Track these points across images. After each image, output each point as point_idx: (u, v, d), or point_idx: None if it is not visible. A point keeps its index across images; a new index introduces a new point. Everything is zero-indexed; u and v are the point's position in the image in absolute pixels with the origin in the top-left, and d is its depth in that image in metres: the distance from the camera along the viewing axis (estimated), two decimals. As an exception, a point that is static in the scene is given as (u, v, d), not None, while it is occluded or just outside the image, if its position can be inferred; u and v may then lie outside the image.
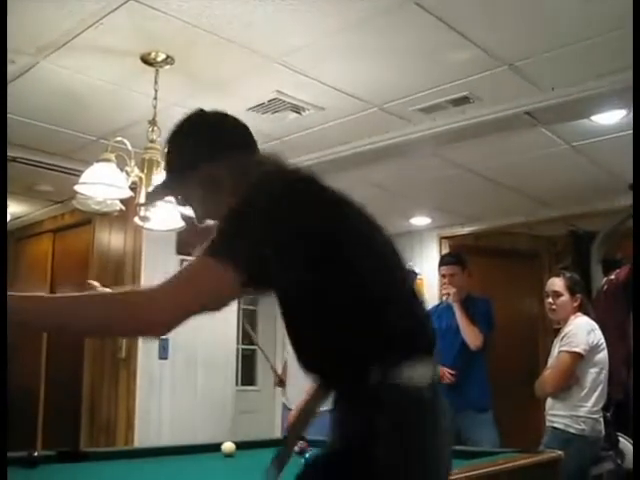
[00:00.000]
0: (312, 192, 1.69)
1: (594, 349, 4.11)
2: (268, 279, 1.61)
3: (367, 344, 1.59)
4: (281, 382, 5.27)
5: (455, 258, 5.45)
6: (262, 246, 1.55)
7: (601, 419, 4.13)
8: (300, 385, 4.62)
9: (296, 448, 3.35)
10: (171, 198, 2.23)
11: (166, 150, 1.99)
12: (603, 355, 4.16)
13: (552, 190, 5.99)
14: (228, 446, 3.40)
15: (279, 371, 5.45)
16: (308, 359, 1.71)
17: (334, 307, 1.61)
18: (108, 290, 1.74)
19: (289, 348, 4.88)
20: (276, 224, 1.57)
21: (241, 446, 3.50)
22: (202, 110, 1.98)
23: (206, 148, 1.88)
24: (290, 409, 4.79)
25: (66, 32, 3.40)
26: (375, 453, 1.50)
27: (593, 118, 4.43)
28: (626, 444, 4.49)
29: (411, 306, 1.71)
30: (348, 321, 1.60)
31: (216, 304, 1.59)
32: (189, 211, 2.01)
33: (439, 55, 3.63)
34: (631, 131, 4.60)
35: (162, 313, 1.50)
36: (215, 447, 3.47)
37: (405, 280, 1.79)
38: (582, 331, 4.12)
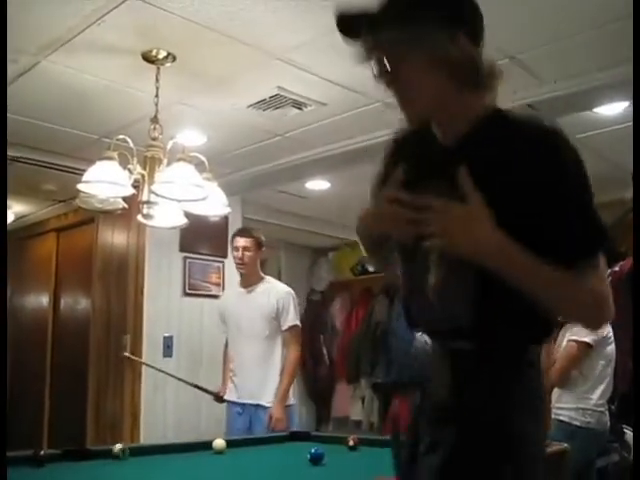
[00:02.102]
0: None
1: (603, 341, 4.11)
2: None
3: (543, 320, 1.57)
4: (219, 398, 4.96)
5: None
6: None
7: (607, 411, 4.14)
8: (254, 373, 4.63)
9: (350, 442, 3.40)
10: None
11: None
12: (611, 348, 4.16)
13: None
14: (219, 443, 3.40)
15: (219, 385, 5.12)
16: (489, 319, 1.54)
17: None
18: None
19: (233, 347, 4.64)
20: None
21: (233, 443, 3.51)
22: None
23: (461, 8, 1.57)
24: (243, 403, 4.68)
25: (67, 30, 3.40)
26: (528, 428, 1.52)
27: (596, 110, 4.42)
28: (631, 436, 4.50)
29: None
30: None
31: None
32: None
33: (440, 49, 3.62)
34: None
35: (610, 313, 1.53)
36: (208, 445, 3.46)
37: None
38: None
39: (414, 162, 1.67)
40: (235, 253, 4.77)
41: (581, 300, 1.49)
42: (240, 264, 4.76)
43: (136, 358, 5.33)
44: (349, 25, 1.60)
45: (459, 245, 1.47)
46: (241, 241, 4.76)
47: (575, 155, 1.52)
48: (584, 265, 1.48)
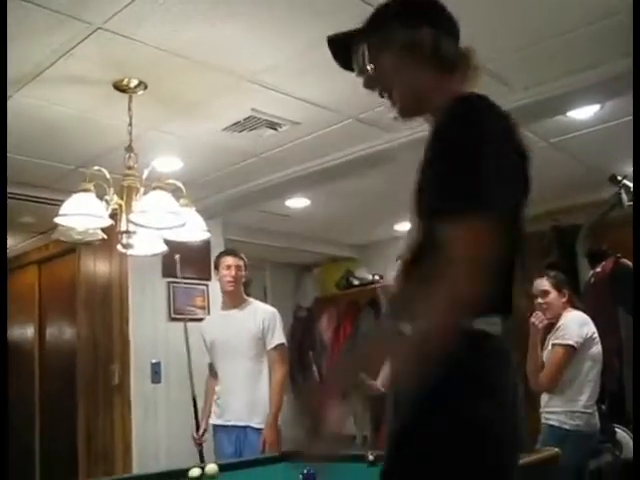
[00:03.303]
0: None
1: (587, 342, 4.12)
2: None
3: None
4: (199, 444, 4.84)
5: None
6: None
7: (596, 413, 4.14)
8: (241, 394, 4.59)
9: (370, 457, 3.38)
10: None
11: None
12: (597, 349, 4.17)
13: (534, 188, 6.00)
14: (211, 468, 3.37)
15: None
16: None
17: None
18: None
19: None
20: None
21: (226, 467, 3.47)
22: None
23: (424, 12, 1.74)
24: (231, 426, 4.61)
25: (36, 65, 3.40)
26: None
27: (568, 114, 4.45)
28: (623, 435, 4.51)
29: None
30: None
31: None
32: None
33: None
34: (606, 124, 4.65)
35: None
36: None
37: None
38: (574, 324, 4.13)
39: None
40: (226, 272, 4.75)
41: (442, 306, 1.39)
42: (232, 282, 4.74)
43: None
44: (339, 44, 1.85)
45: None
46: (232, 260, 4.76)
47: (468, 110, 1.52)
48: (440, 234, 1.41)
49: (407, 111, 1.73)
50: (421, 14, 1.73)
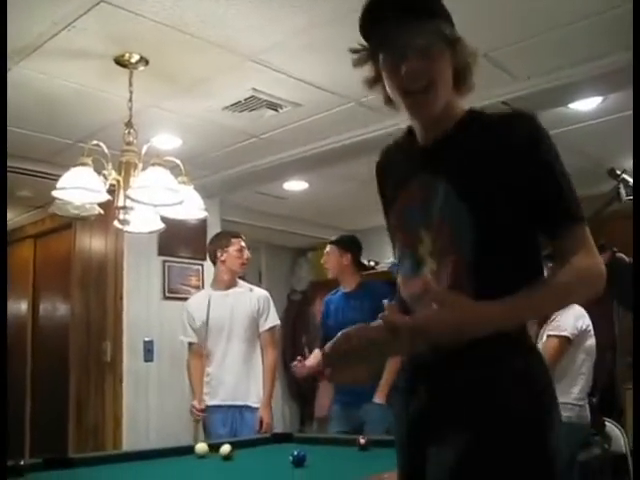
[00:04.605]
0: None
1: (582, 335, 4.13)
2: None
3: None
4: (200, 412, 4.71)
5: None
6: None
7: (587, 405, 4.16)
8: (237, 374, 4.58)
9: (361, 440, 3.36)
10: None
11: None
12: (591, 342, 4.18)
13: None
14: (201, 447, 3.37)
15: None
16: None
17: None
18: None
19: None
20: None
21: (216, 447, 3.46)
22: None
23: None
24: (226, 406, 4.58)
25: (37, 36, 3.37)
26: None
27: (570, 106, 4.44)
28: (613, 429, 4.52)
29: None
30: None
31: None
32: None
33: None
34: (608, 117, 4.63)
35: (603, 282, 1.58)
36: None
37: None
38: (569, 316, 4.14)
39: (400, 167, 1.76)
40: (239, 254, 4.73)
41: (577, 291, 1.58)
42: (246, 264, 4.78)
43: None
44: (381, 11, 1.58)
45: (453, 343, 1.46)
46: (243, 243, 4.77)
47: (548, 132, 1.59)
48: (571, 235, 1.55)
49: (437, 109, 1.62)
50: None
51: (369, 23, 1.61)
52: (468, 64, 1.63)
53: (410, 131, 1.76)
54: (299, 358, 4.68)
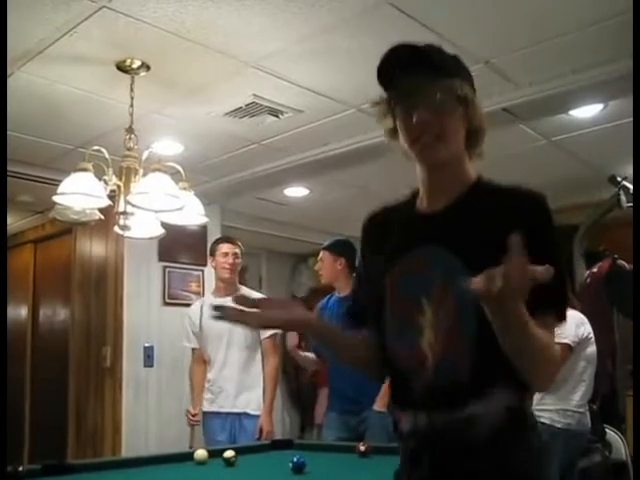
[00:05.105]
0: None
1: (583, 342, 4.11)
2: None
3: None
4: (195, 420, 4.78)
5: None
6: None
7: (587, 412, 4.15)
8: (237, 381, 4.59)
9: (362, 447, 3.34)
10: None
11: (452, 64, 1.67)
12: (592, 350, 4.17)
13: (532, 186, 5.99)
14: (201, 453, 3.36)
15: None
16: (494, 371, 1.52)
17: None
18: None
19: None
20: None
21: (216, 454, 3.45)
22: None
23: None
24: (225, 413, 4.60)
25: (39, 42, 3.37)
26: None
27: (571, 113, 4.44)
28: (613, 436, 4.52)
29: None
30: None
31: None
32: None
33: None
34: (608, 124, 4.63)
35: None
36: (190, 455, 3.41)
37: None
38: (570, 323, 4.12)
39: (399, 231, 1.74)
40: (223, 259, 4.72)
41: (551, 361, 1.54)
42: (229, 269, 4.73)
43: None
44: (397, 66, 1.64)
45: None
46: (229, 247, 4.74)
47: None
48: (547, 324, 1.50)
49: (446, 156, 1.63)
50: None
51: (385, 77, 1.67)
52: (481, 128, 1.66)
53: (413, 195, 1.76)
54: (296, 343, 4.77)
